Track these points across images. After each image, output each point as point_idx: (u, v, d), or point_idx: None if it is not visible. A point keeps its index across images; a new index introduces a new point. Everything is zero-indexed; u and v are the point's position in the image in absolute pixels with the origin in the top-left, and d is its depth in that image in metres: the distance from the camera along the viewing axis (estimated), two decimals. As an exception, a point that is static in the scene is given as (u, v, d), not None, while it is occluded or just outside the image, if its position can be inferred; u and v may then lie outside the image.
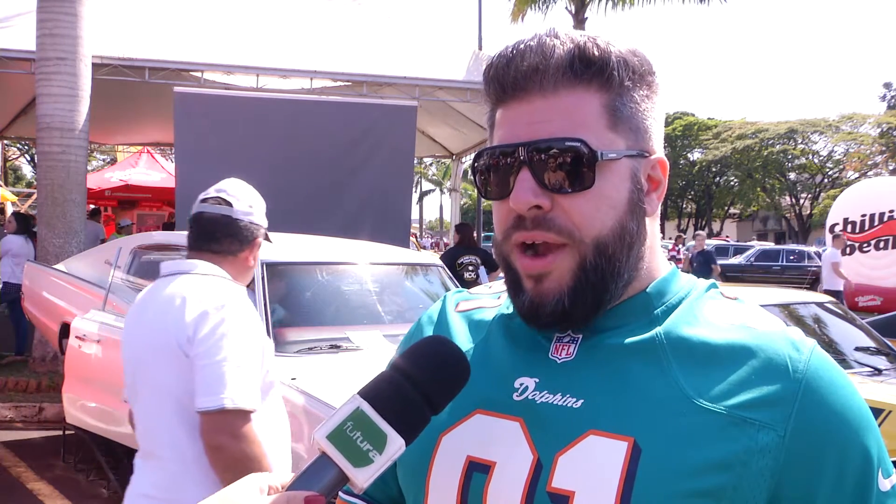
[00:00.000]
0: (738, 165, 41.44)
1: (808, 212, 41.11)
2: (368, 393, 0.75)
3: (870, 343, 5.13)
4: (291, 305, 4.26)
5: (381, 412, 0.74)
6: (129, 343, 2.19)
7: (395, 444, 0.74)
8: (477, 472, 0.84)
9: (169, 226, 14.65)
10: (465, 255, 8.14)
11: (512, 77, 0.83)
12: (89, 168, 13.52)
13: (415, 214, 48.52)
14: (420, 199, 55.91)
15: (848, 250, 13.95)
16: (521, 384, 0.86)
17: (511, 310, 0.93)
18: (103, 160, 32.58)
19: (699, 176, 45.34)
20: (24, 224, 9.09)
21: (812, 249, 22.86)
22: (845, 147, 39.44)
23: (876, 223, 13.76)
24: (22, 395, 7.33)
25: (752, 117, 59.00)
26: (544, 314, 0.83)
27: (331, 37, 11.47)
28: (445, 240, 34.75)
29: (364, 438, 0.73)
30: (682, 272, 0.92)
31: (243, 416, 1.93)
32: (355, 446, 0.73)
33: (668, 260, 0.93)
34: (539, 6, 17.20)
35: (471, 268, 8.01)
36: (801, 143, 40.51)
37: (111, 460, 5.35)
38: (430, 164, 53.62)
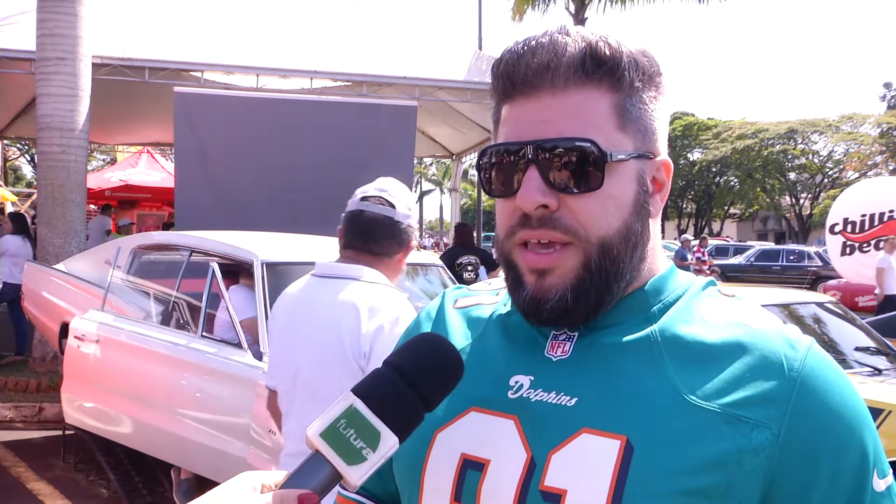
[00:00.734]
0: (738, 165, 41.37)
1: (808, 212, 41.05)
2: (362, 390, 0.75)
3: (870, 343, 5.12)
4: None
5: (375, 410, 0.74)
6: (288, 342, 2.14)
7: (389, 442, 0.73)
8: (471, 470, 0.83)
9: (169, 226, 14.67)
10: (464, 255, 8.13)
11: (522, 73, 0.82)
12: (89, 168, 13.52)
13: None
14: (420, 199, 55.92)
15: (848, 250, 13.93)
16: (517, 382, 0.85)
17: (508, 307, 0.93)
18: (103, 160, 32.60)
19: (699, 176, 45.28)
20: (20, 224, 9.09)
21: (812, 249, 22.82)
22: (845, 147, 39.38)
23: (876, 223, 13.74)
24: (22, 395, 7.33)
25: (752, 117, 58.99)
26: (545, 310, 0.83)
27: (331, 37, 11.48)
28: (446, 240, 34.72)
29: (357, 436, 0.73)
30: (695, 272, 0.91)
31: None
32: (349, 444, 0.72)
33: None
34: (538, 6, 17.16)
35: (470, 268, 8.00)
36: (801, 143, 40.44)
37: (111, 460, 5.35)
38: (430, 164, 53.69)
